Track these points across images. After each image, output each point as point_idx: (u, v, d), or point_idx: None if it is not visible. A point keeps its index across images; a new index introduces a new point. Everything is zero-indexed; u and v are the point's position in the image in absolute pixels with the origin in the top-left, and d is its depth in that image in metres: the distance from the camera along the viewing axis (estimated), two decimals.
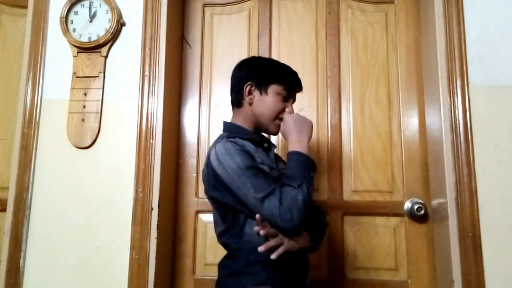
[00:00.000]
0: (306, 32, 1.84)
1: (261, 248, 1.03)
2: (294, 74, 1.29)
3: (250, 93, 1.23)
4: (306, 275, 1.20)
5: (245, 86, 1.23)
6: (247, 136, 1.22)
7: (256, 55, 1.30)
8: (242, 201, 1.09)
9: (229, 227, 1.16)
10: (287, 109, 1.24)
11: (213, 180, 1.14)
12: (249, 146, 1.18)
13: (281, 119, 1.23)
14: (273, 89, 1.22)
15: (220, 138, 1.21)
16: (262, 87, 1.22)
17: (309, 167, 1.12)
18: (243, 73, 1.27)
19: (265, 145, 1.28)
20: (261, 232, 1.03)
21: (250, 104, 1.24)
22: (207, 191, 1.19)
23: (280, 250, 1.04)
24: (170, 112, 1.70)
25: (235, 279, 1.14)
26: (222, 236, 1.19)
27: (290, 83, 1.26)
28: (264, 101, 1.22)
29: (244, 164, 1.08)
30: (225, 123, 1.30)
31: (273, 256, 1.03)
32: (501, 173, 1.43)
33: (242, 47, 1.85)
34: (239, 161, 1.09)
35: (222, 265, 1.20)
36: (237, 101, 1.27)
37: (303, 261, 1.19)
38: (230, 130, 1.25)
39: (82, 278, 1.50)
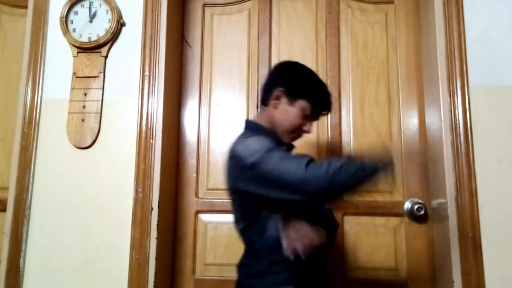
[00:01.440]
0: (306, 32, 1.84)
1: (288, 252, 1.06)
2: (328, 96, 1.24)
3: (277, 98, 1.21)
4: (324, 273, 1.21)
5: (275, 90, 1.20)
6: (268, 136, 1.18)
7: (299, 63, 1.29)
8: (278, 182, 1.01)
9: (252, 224, 1.15)
10: (305, 127, 1.22)
11: (243, 171, 1.09)
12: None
13: (298, 134, 1.23)
14: (301, 103, 1.19)
15: (242, 135, 1.20)
16: (292, 97, 1.19)
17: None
18: (278, 76, 1.26)
19: (284, 147, 1.25)
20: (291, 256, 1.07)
21: (275, 108, 1.22)
22: (233, 185, 1.15)
23: (306, 249, 1.06)
24: (170, 112, 1.70)
25: (258, 280, 1.13)
26: (244, 234, 1.19)
27: (320, 105, 1.22)
28: (288, 111, 1.20)
29: (274, 145, 1.09)
30: (248, 122, 1.28)
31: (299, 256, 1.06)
32: (501, 173, 1.43)
33: (242, 47, 1.85)
34: (269, 143, 1.08)
35: (243, 266, 1.19)
36: (263, 100, 1.26)
37: (321, 259, 1.20)
38: (251, 129, 1.23)
39: (82, 278, 1.50)
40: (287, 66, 1.29)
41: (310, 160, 1.00)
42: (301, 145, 1.76)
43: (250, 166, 1.05)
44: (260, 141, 1.09)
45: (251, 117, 1.22)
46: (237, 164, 1.11)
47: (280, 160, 1.02)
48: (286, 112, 1.19)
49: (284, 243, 1.08)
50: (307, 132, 1.23)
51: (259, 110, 1.30)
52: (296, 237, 1.08)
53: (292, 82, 1.21)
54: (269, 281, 1.11)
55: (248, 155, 1.06)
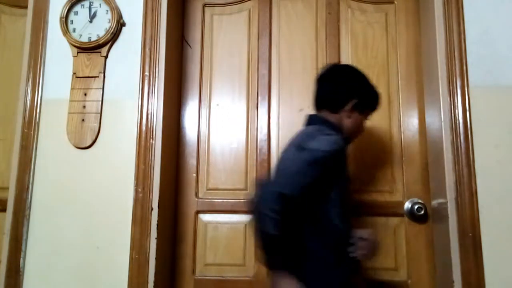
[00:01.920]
0: (306, 32, 1.84)
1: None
2: (379, 100, 1.37)
3: (352, 108, 1.27)
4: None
5: (351, 102, 1.26)
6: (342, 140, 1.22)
7: (357, 69, 1.34)
8: (284, 171, 1.13)
9: (317, 214, 1.17)
10: None
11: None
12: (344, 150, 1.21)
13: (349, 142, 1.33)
14: (367, 113, 1.33)
15: (319, 130, 1.20)
16: (363, 108, 1.30)
17: None
18: (350, 86, 1.29)
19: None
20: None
21: (348, 117, 1.28)
22: None
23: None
24: (170, 112, 1.70)
25: (332, 272, 1.14)
26: (311, 225, 1.18)
27: (374, 107, 1.36)
28: (358, 120, 1.30)
29: (332, 156, 1.13)
30: (324, 120, 1.28)
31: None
32: (501, 173, 1.43)
33: (242, 47, 1.85)
34: (334, 150, 1.13)
35: (311, 258, 1.15)
36: (333, 107, 1.29)
37: None
38: (331, 127, 1.24)
39: (82, 278, 1.50)
40: (354, 75, 1.32)
41: (289, 196, 1.05)
42: None
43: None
44: (330, 144, 1.13)
45: (307, 114, 1.27)
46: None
47: (299, 174, 1.09)
48: (357, 121, 1.30)
49: (357, 246, 1.16)
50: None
51: (318, 112, 1.32)
52: (367, 245, 1.17)
53: (365, 94, 1.30)
54: (343, 273, 1.15)
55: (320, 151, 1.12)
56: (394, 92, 1.75)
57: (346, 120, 1.28)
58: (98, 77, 1.61)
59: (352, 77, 1.31)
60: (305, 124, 1.32)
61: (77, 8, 1.66)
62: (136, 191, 1.53)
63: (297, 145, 1.16)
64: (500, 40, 1.50)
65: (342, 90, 1.29)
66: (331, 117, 1.28)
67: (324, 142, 1.13)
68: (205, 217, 1.76)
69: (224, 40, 1.87)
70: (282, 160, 1.18)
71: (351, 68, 1.35)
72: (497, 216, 1.40)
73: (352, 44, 1.81)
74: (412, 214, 1.64)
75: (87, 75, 1.61)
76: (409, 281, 1.63)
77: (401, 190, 1.69)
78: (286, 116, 1.79)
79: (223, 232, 1.73)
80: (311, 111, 1.76)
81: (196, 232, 1.75)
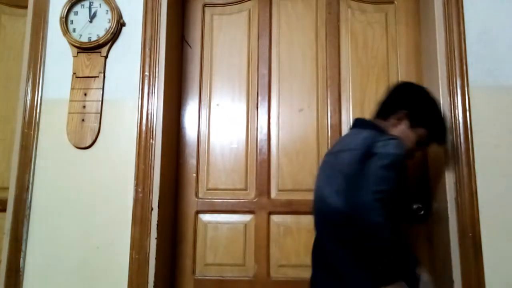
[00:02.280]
0: (306, 32, 1.84)
1: None
2: (446, 130, 1.35)
3: (400, 119, 1.26)
4: None
5: (400, 112, 1.26)
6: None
7: (426, 89, 1.34)
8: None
9: None
10: (414, 153, 1.31)
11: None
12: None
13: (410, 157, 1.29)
14: (420, 131, 1.27)
15: (378, 135, 1.19)
16: (413, 123, 1.26)
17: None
18: (405, 98, 1.30)
19: None
20: None
21: (394, 126, 1.27)
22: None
23: None
24: (170, 112, 1.70)
25: (378, 279, 1.13)
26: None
27: (437, 137, 1.32)
28: (406, 134, 1.26)
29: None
30: (375, 125, 1.28)
31: None
32: (501, 173, 1.43)
33: (242, 47, 1.85)
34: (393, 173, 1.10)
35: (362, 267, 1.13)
36: (384, 114, 1.30)
37: None
38: (380, 132, 1.23)
39: (82, 278, 1.50)
40: (416, 91, 1.33)
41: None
42: (301, 144, 1.76)
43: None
44: (400, 147, 1.13)
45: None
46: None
47: (383, 180, 1.08)
48: (403, 133, 1.26)
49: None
50: (412, 158, 1.30)
51: (378, 118, 1.31)
52: None
53: (417, 109, 1.27)
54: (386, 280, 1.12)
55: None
56: None
57: (391, 128, 1.27)
58: (98, 77, 1.61)
59: (410, 91, 1.31)
60: (355, 127, 1.30)
61: (77, 8, 1.66)
62: (136, 191, 1.53)
63: (362, 149, 1.13)
64: (500, 40, 1.50)
65: (393, 98, 1.30)
66: (380, 123, 1.28)
67: (394, 146, 1.12)
68: (205, 217, 1.76)
69: (224, 40, 1.87)
70: (339, 163, 1.17)
71: (416, 85, 1.36)
72: (497, 216, 1.40)
73: (352, 44, 1.81)
74: (412, 214, 1.63)
75: (87, 75, 1.61)
76: None
77: None
78: (286, 116, 1.79)
79: (223, 232, 1.73)
80: (312, 110, 1.78)
81: (196, 232, 1.75)
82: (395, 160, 1.10)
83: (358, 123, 1.32)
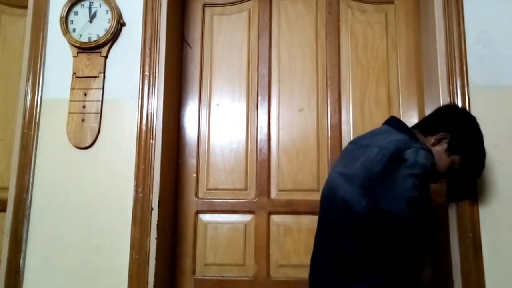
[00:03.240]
0: (306, 32, 1.84)
1: None
2: (482, 167, 1.28)
3: (440, 140, 1.22)
4: None
5: (442, 133, 1.21)
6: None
7: (475, 120, 1.27)
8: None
9: None
10: (442, 178, 1.27)
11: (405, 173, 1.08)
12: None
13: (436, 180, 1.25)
14: (455, 158, 1.22)
15: (411, 141, 1.15)
16: (452, 148, 1.21)
17: None
18: (454, 122, 1.24)
19: None
20: None
21: (431, 145, 1.22)
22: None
23: None
24: (170, 112, 1.70)
25: None
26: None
27: (471, 170, 1.27)
28: (440, 156, 1.21)
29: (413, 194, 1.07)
30: (413, 133, 1.24)
31: None
32: (501, 173, 1.43)
33: (242, 47, 1.85)
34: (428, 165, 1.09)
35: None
36: (425, 130, 1.25)
37: None
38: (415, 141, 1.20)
39: (82, 278, 1.50)
40: (466, 118, 1.27)
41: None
42: (301, 144, 1.76)
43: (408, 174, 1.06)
44: (429, 159, 1.09)
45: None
46: (401, 165, 1.08)
47: (412, 189, 1.05)
48: (439, 155, 1.20)
49: None
50: (436, 182, 1.25)
51: (413, 128, 1.27)
52: None
53: (461, 136, 1.22)
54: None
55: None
56: (394, 92, 1.75)
57: (430, 145, 1.21)
58: (98, 77, 1.61)
59: (460, 116, 1.27)
60: (390, 125, 1.25)
61: (77, 8, 1.65)
62: (136, 191, 1.53)
63: (392, 150, 1.10)
64: (500, 40, 1.50)
65: (441, 116, 1.26)
66: (419, 136, 1.24)
67: (424, 156, 1.07)
68: (205, 217, 1.76)
69: (224, 40, 1.87)
70: (362, 156, 1.15)
71: (467, 113, 1.32)
72: (497, 216, 1.40)
73: (352, 44, 1.81)
74: None
75: (87, 75, 1.61)
76: None
77: None
78: (286, 116, 1.79)
79: (223, 232, 1.73)
80: (312, 110, 1.78)
81: (196, 232, 1.75)
82: (425, 170, 1.07)
83: (395, 124, 1.25)
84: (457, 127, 1.23)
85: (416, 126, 1.29)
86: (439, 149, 1.21)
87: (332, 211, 1.19)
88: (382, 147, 1.12)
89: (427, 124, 1.27)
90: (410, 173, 1.05)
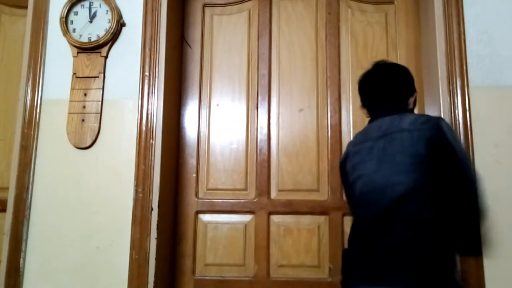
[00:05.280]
0: (306, 32, 1.84)
1: None
2: None
3: (414, 102, 1.31)
4: None
5: (415, 94, 1.31)
6: None
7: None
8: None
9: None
10: None
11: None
12: None
13: None
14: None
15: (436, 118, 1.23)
16: (415, 102, 1.33)
17: None
18: (412, 80, 1.33)
19: None
20: None
21: (413, 112, 1.30)
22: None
23: None
24: (170, 112, 1.70)
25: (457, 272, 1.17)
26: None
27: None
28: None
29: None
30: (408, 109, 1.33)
31: None
32: (501, 173, 1.43)
33: (242, 47, 1.85)
34: None
35: (444, 260, 1.11)
36: (403, 102, 1.30)
37: None
38: None
39: (82, 278, 1.50)
40: (409, 70, 1.35)
41: None
42: (301, 144, 1.77)
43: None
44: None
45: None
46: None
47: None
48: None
49: None
50: None
51: (390, 107, 1.29)
52: None
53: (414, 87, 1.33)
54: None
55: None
56: None
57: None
58: (98, 77, 1.61)
59: (409, 72, 1.35)
60: (393, 113, 1.26)
61: (77, 8, 1.65)
62: (136, 191, 1.53)
63: (422, 129, 1.16)
64: (500, 40, 1.50)
65: (405, 84, 1.31)
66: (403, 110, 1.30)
67: (440, 118, 1.20)
68: (205, 217, 1.76)
69: (224, 40, 1.87)
70: (396, 145, 1.18)
71: (404, 66, 1.38)
72: (497, 216, 1.40)
73: (352, 44, 1.81)
74: None
75: (87, 75, 1.61)
76: None
77: None
78: (286, 116, 1.79)
79: (223, 232, 1.73)
80: (312, 110, 1.78)
81: (196, 232, 1.75)
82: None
83: (396, 107, 1.28)
84: (412, 82, 1.32)
85: (386, 103, 1.30)
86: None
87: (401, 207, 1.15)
88: (406, 130, 1.18)
89: (401, 97, 1.30)
90: (452, 137, 1.15)
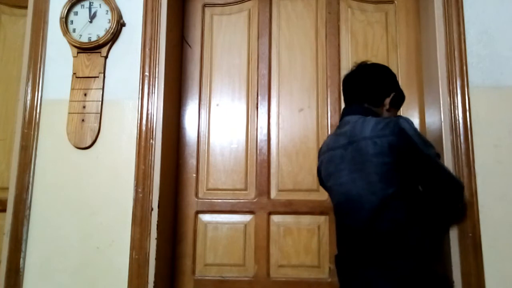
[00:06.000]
0: (306, 32, 1.84)
1: None
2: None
3: (389, 102, 1.32)
4: None
5: (392, 95, 1.32)
6: None
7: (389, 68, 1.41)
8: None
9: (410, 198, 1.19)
10: None
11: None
12: None
13: None
14: (393, 112, 1.37)
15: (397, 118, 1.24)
16: (395, 102, 1.34)
17: None
18: (391, 81, 1.34)
19: None
20: None
21: (387, 111, 1.32)
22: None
23: None
24: (170, 112, 1.70)
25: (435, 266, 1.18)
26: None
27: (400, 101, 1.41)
28: (394, 115, 1.34)
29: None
30: (375, 112, 1.32)
31: None
32: (501, 173, 1.43)
33: (242, 47, 1.85)
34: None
35: (421, 248, 1.16)
36: (376, 101, 1.32)
37: None
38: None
39: (82, 279, 1.50)
40: (390, 71, 1.36)
41: None
42: (301, 145, 1.77)
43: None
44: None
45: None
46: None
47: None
48: (388, 115, 1.32)
49: None
50: None
51: (360, 105, 1.31)
52: None
53: (398, 89, 1.35)
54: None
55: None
56: None
57: (386, 113, 1.32)
58: (98, 77, 1.61)
59: (388, 72, 1.36)
60: (355, 114, 1.29)
61: (77, 8, 1.65)
62: (136, 191, 1.53)
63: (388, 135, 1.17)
64: (500, 40, 1.50)
65: (381, 82, 1.32)
66: (376, 110, 1.31)
67: (404, 120, 1.20)
68: (205, 217, 1.76)
69: (224, 40, 1.87)
70: (362, 154, 1.19)
71: (385, 66, 1.39)
72: (497, 216, 1.40)
73: (352, 43, 1.81)
74: None
75: (87, 75, 1.61)
76: None
77: None
78: (286, 116, 1.79)
79: (223, 232, 1.73)
80: (312, 110, 1.78)
81: (196, 232, 1.75)
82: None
83: (360, 109, 1.29)
84: (393, 81, 1.34)
85: (360, 100, 1.32)
86: (393, 111, 1.34)
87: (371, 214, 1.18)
88: (368, 138, 1.19)
89: (373, 96, 1.32)
90: (413, 133, 1.17)
